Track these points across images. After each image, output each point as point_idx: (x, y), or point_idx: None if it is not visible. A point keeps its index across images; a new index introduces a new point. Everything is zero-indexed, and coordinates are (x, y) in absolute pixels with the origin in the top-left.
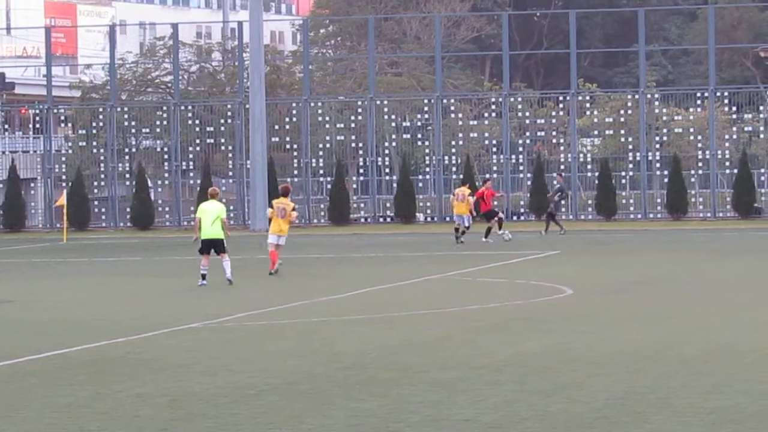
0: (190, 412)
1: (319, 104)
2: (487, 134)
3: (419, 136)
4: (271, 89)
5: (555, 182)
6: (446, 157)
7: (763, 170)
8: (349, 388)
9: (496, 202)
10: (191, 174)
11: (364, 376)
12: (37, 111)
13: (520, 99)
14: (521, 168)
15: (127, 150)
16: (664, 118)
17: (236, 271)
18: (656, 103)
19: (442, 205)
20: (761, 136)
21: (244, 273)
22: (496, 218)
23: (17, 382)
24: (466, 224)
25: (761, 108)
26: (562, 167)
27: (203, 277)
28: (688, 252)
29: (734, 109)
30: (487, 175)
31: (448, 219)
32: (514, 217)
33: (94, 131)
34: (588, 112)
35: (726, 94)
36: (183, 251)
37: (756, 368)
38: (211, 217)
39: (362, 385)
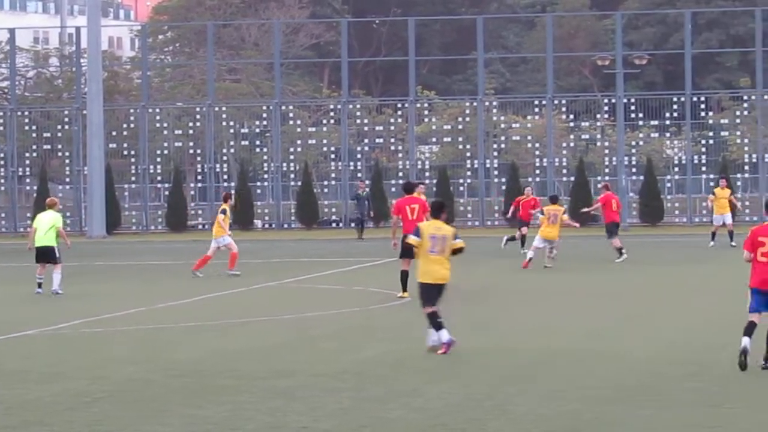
0: (25, 420)
1: (158, 110)
2: (325, 141)
3: (258, 142)
4: (109, 95)
5: (360, 190)
6: (284, 164)
7: (599, 178)
8: (186, 395)
9: (532, 212)
10: (28, 180)
11: (201, 383)
12: None
13: (358, 106)
14: (359, 175)
15: None
16: (502, 125)
17: (73, 278)
18: (494, 110)
19: (280, 212)
20: (598, 144)
21: (82, 279)
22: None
23: None
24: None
25: (598, 116)
26: (400, 174)
27: (39, 285)
28: (522, 260)
29: (572, 117)
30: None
31: (285, 226)
32: (352, 225)
33: None
34: (426, 119)
35: (563, 102)
36: (19, 258)
37: (593, 374)
38: (44, 227)
39: (199, 392)
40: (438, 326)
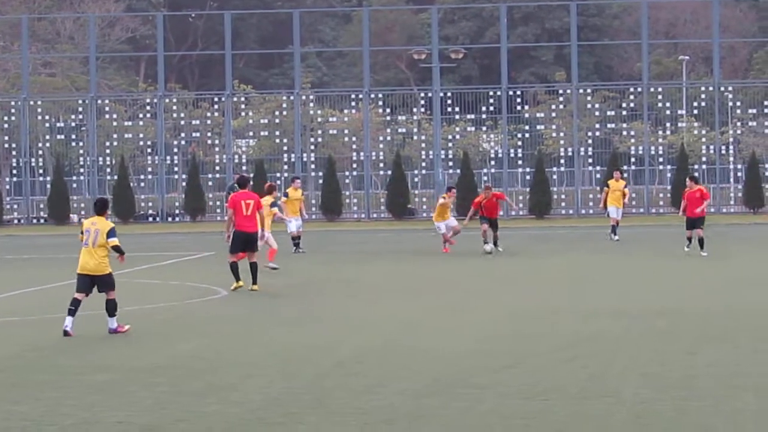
0: None
1: None
2: (142, 135)
3: (73, 136)
4: None
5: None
6: (101, 158)
7: (416, 171)
8: (2, 390)
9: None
10: None
11: (18, 379)
12: None
13: (175, 100)
14: (176, 169)
15: None
16: (319, 119)
17: None
18: (311, 104)
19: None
20: (415, 137)
21: None
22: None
23: None
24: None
25: (415, 110)
26: (217, 168)
27: None
28: (342, 254)
29: (388, 110)
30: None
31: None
32: (169, 219)
33: None
34: (243, 113)
35: (380, 96)
36: None
37: (411, 368)
38: None
39: (16, 388)
40: (70, 313)
